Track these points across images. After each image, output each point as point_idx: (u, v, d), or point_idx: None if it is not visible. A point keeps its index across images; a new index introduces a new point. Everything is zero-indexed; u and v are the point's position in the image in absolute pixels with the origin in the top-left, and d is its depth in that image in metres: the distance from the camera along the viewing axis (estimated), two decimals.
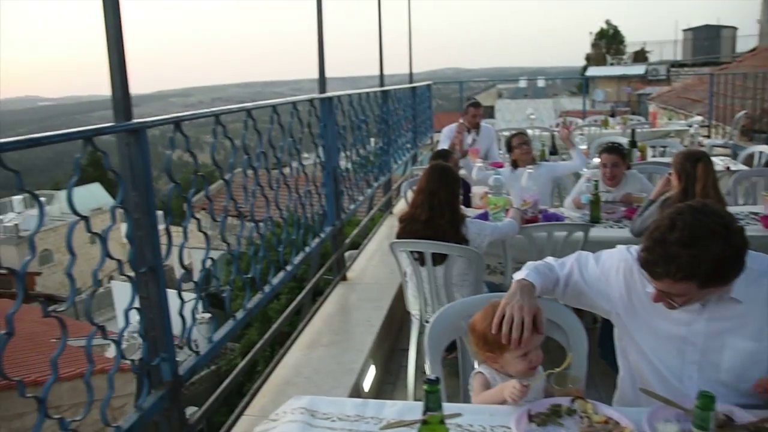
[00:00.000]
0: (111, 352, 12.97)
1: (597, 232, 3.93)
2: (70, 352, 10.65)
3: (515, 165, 5.24)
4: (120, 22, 2.10)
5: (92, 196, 32.16)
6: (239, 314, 2.97)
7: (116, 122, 2.10)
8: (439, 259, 3.39)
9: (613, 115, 10.95)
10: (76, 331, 12.26)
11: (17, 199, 31.77)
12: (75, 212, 1.89)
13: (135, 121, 2.14)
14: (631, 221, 3.89)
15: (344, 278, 4.95)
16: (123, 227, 2.21)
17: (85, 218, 1.93)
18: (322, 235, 4.38)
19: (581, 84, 25.18)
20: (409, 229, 3.50)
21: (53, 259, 29.15)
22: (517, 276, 1.99)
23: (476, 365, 2.05)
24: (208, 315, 5.06)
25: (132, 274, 2.18)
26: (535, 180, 4.79)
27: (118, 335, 2.12)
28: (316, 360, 3.65)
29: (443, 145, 6.39)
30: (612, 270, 1.98)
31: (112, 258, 2.05)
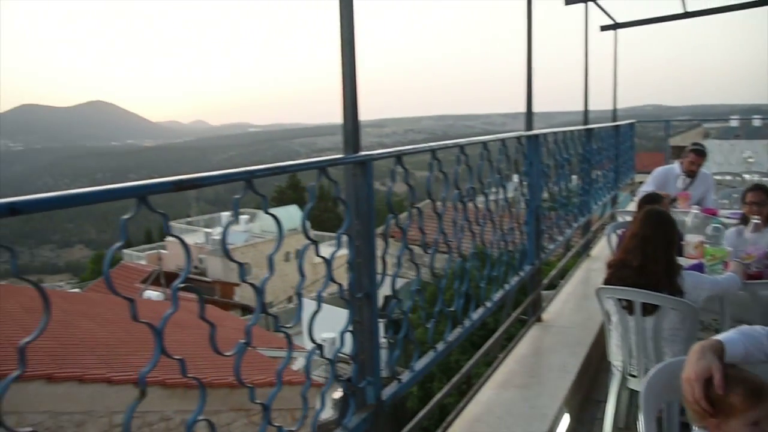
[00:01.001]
0: (296, 365, 13.69)
1: None
2: (261, 361, 11.36)
3: (745, 220, 4.43)
4: (354, 60, 2.23)
5: (290, 216, 34.27)
6: (439, 346, 3.00)
7: (345, 154, 2.22)
8: (649, 309, 3.21)
9: None
10: (264, 343, 13.07)
11: (225, 215, 34.66)
12: (307, 236, 2.02)
13: (362, 153, 2.25)
14: None
15: (539, 319, 4.84)
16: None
17: (315, 242, 2.04)
18: (522, 274, 4.32)
19: None
20: (618, 275, 3.34)
21: (251, 273, 31.40)
22: (717, 336, 1.75)
23: (695, 429, 1.89)
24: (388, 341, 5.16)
25: (348, 298, 2.28)
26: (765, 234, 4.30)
27: (333, 355, 2.23)
28: (508, 400, 3.58)
29: (648, 188, 6.07)
30: None
31: (335, 282, 2.15)
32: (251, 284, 1.70)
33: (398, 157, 2.50)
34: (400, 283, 2.82)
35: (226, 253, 1.67)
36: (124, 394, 8.34)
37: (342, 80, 2.23)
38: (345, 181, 2.26)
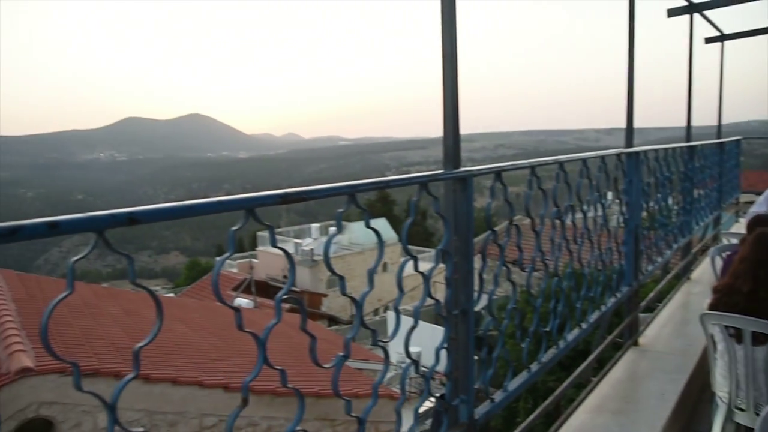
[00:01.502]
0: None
1: None
2: (344, 372, 11.43)
3: None
4: (456, 75, 2.22)
5: (379, 229, 34.48)
6: (533, 367, 2.93)
7: (445, 170, 2.21)
8: (761, 338, 3.02)
9: None
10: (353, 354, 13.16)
11: (315, 226, 35.31)
12: (407, 251, 2.01)
13: (462, 169, 2.23)
14: None
15: (636, 343, 4.65)
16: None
17: (414, 258, 2.03)
18: (618, 295, 4.17)
19: None
20: (726, 301, 3.17)
21: (337, 285, 31.64)
22: None
23: None
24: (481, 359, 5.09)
25: (445, 314, 2.26)
26: None
27: (428, 372, 2.21)
28: (602, 426, 3.46)
29: (760, 208, 5.75)
30: None
31: (432, 298, 2.14)
32: (351, 297, 1.70)
33: (498, 174, 2.47)
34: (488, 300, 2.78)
35: (329, 267, 1.68)
36: (214, 397, 8.58)
37: (443, 95, 2.23)
38: (444, 197, 2.24)
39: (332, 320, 25.97)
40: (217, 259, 1.41)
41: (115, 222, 1.14)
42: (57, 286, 14.18)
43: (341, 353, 1.72)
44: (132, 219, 1.16)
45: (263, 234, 35.73)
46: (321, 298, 28.49)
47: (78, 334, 9.19)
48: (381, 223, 36.88)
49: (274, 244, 1.51)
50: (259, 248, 34.86)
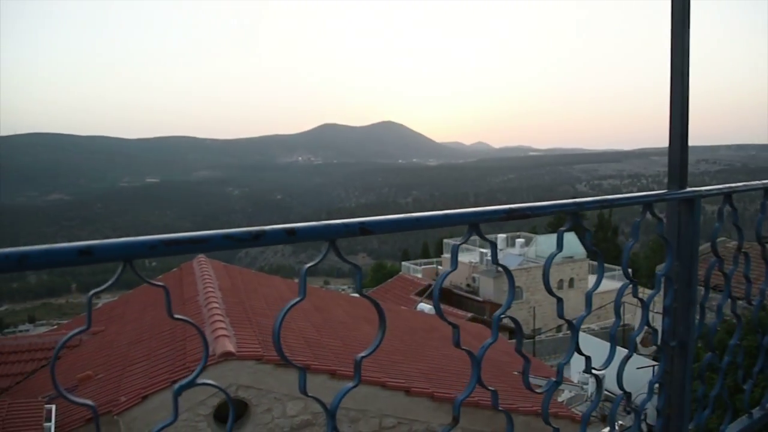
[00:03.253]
0: (561, 396, 13.25)
1: None
2: (520, 385, 11.14)
3: None
4: (687, 90, 2.07)
5: (566, 243, 33.46)
6: (756, 412, 2.64)
7: (670, 189, 2.05)
8: None
9: None
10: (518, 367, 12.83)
11: (501, 236, 34.93)
12: (626, 276, 1.88)
13: (689, 189, 2.06)
14: None
15: None
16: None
17: (634, 282, 1.90)
18: None
19: None
20: None
21: (522, 297, 31.16)
22: None
23: None
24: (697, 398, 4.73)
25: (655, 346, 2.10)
26: None
27: (640, 406, 2.06)
28: None
29: None
30: None
31: (650, 327, 1.99)
32: (568, 321, 1.62)
33: (728, 195, 2.25)
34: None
35: (548, 288, 1.61)
36: (395, 399, 8.75)
37: (670, 110, 2.08)
38: (667, 219, 2.08)
39: (513, 332, 25.54)
40: (439, 272, 1.39)
41: (348, 232, 1.17)
42: (256, 278, 15.27)
43: (553, 378, 1.64)
44: (364, 229, 1.18)
45: (449, 241, 36.06)
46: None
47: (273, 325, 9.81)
48: (569, 237, 35.71)
49: (495, 261, 1.47)
50: (444, 255, 35.18)
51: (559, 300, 1.62)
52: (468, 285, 31.03)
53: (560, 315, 1.63)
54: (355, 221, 1.19)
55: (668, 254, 2.04)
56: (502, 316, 1.44)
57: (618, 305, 1.84)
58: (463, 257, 32.09)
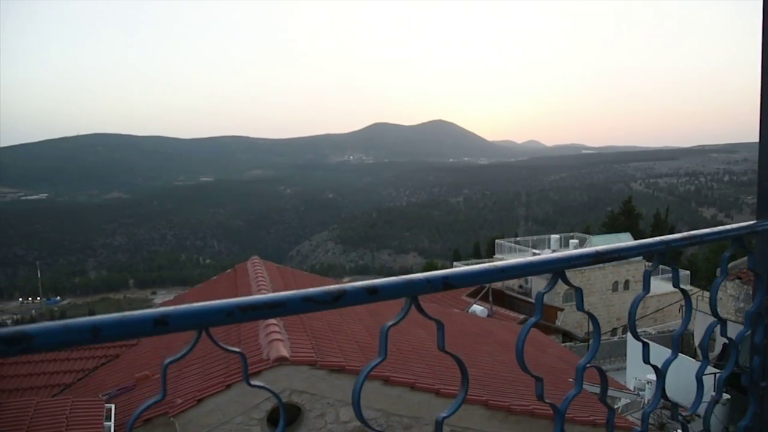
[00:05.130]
0: (618, 403, 12.94)
1: None
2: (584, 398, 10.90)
3: None
4: None
5: (621, 242, 32.77)
6: None
7: (759, 220, 1.91)
8: None
9: None
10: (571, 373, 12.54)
11: (554, 237, 34.42)
12: (682, 290, 1.75)
13: None
14: None
15: None
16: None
17: (723, 321, 1.77)
18: None
19: None
20: None
21: (574, 299, 30.51)
22: None
23: None
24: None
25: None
26: None
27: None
28: None
29: None
30: None
31: (739, 367, 1.85)
32: (654, 367, 1.50)
33: None
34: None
35: (634, 332, 1.50)
36: (449, 407, 8.63)
37: (760, 123, 1.93)
38: (757, 250, 1.94)
39: (566, 336, 25.13)
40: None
41: (430, 287, 1.11)
42: (309, 279, 15.35)
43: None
44: (447, 284, 1.11)
45: (501, 242, 35.73)
46: (557, 312, 27.71)
47: (325, 329, 9.80)
48: (623, 238, 34.95)
49: (580, 308, 1.37)
50: (496, 255, 34.84)
51: (682, 339, 1.51)
52: (520, 286, 30.65)
53: (635, 336, 1.51)
54: (438, 275, 1.12)
55: (758, 288, 1.90)
56: (587, 365, 1.34)
57: (706, 343, 1.72)
58: (515, 258, 31.65)
